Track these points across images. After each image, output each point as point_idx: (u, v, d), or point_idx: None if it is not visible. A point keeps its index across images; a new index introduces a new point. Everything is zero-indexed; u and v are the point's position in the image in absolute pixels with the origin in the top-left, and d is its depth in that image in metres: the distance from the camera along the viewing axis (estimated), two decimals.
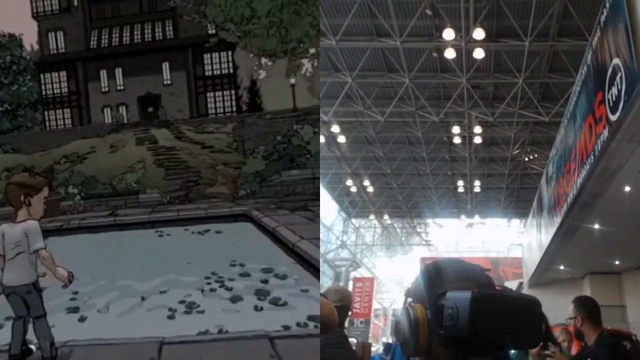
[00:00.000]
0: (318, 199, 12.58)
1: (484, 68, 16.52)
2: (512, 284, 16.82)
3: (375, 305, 31.76)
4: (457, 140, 21.25)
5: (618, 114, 5.76)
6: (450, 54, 15.06)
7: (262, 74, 17.96)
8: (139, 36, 35.04)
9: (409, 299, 1.42)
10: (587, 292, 14.01)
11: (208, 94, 34.28)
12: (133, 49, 34.42)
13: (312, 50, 16.65)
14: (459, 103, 17.92)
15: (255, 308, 5.69)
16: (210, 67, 34.23)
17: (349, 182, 25.89)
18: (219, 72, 34.24)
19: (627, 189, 7.56)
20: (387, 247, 37.05)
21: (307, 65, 17.65)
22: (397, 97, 17.71)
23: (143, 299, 6.31)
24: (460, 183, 26.54)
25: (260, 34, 15.35)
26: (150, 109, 33.65)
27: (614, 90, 5.87)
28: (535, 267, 14.32)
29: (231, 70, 34.23)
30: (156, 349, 3.81)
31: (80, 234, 11.09)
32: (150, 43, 34.70)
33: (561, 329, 6.18)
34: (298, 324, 4.94)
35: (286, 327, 4.75)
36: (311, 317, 4.99)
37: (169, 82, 34.39)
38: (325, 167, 22.18)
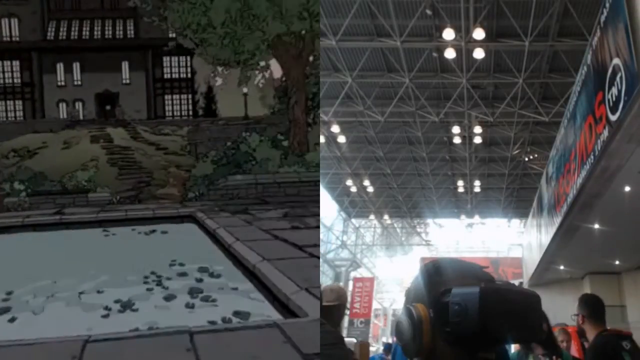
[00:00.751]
0: (258, 203, 13.03)
1: (484, 68, 16.52)
2: None
3: (375, 305, 31.77)
4: (457, 140, 21.26)
5: (618, 114, 5.76)
6: (450, 54, 15.06)
7: (219, 81, 18.53)
8: (99, 32, 34.44)
9: (409, 300, 1.41)
10: (587, 292, 14.02)
11: (166, 96, 34.52)
12: (92, 44, 33.81)
13: (262, 63, 17.43)
14: (459, 103, 17.92)
15: (187, 305, 5.86)
16: (169, 70, 34.50)
17: (349, 182, 25.90)
18: (177, 75, 34.59)
19: (627, 189, 7.56)
20: (387, 247, 37.04)
21: (259, 76, 18.33)
22: (397, 97, 17.71)
23: (80, 298, 6.33)
24: (460, 183, 26.55)
25: (215, 43, 15.86)
26: (108, 107, 33.18)
27: (614, 90, 5.87)
28: (535, 267, 14.32)
29: (189, 75, 34.65)
30: (79, 347, 3.77)
31: (24, 232, 10.79)
32: (111, 40, 34.18)
33: (559, 329, 6.17)
34: (223, 319, 5.15)
35: (212, 323, 4.94)
36: (236, 313, 5.28)
37: (127, 81, 34.18)
38: (325, 167, 22.19)
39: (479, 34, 14.24)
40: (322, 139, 19.03)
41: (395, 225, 35.87)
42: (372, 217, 32.99)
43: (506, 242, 34.34)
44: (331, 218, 31.11)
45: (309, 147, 16.99)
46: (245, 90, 23.51)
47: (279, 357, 3.60)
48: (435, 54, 15.89)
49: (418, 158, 23.63)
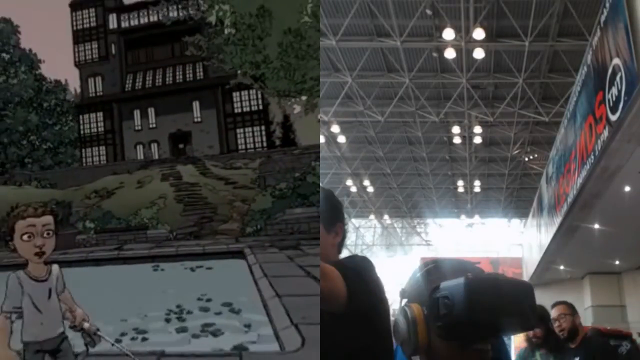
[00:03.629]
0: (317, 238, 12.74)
1: (484, 68, 16.51)
2: None
3: None
4: (457, 140, 21.24)
5: (618, 114, 5.76)
6: (450, 54, 15.05)
7: (297, 108, 17.83)
8: (171, 78, 37.15)
9: (404, 300, 1.43)
10: (587, 292, 14.04)
11: (238, 130, 35.29)
12: (165, 89, 36.47)
13: None
14: (459, 103, 17.91)
15: (193, 336, 6.27)
16: (239, 105, 35.43)
17: (349, 182, 25.86)
18: (248, 108, 35.33)
19: (627, 189, 7.56)
20: (387, 247, 37.02)
21: None
22: (397, 97, 17.70)
23: (103, 325, 6.65)
24: (460, 183, 26.53)
25: (271, 76, 15.63)
26: (181, 146, 34.86)
27: (614, 90, 5.87)
28: (535, 267, 14.33)
29: (261, 107, 35.16)
30: None
31: (87, 267, 11.61)
32: (182, 84, 36.49)
33: None
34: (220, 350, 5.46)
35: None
36: (235, 347, 5.53)
37: (199, 119, 35.78)
38: (325, 167, 22.19)
39: (479, 34, 14.23)
40: (322, 139, 19.03)
41: (395, 225, 35.85)
42: (372, 217, 32.95)
43: (506, 242, 34.31)
44: None
45: None
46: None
47: None
48: (435, 54, 15.88)
49: (418, 158, 23.62)
